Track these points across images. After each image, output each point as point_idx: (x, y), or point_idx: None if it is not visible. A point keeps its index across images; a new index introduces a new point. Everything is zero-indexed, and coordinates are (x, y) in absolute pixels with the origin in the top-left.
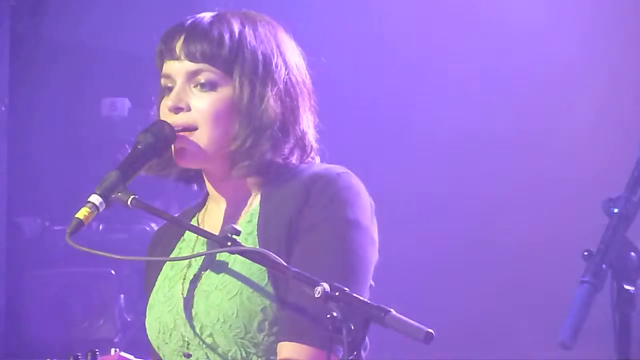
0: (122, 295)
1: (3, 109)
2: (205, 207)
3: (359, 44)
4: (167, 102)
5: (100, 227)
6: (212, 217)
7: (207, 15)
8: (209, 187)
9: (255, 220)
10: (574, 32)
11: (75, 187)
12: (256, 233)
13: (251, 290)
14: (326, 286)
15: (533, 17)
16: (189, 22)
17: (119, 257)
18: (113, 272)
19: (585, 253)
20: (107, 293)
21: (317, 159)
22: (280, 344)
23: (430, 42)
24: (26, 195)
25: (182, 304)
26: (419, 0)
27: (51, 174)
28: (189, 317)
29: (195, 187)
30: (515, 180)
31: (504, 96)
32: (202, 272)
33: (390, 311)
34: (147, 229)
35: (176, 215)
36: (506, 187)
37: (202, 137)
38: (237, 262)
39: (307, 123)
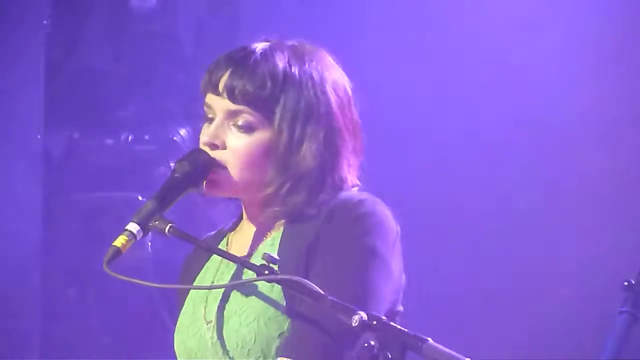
0: None
1: (39, 137)
2: (239, 227)
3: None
4: (204, 137)
5: (130, 138)
6: (242, 238)
7: (258, 47)
8: (243, 209)
9: (277, 244)
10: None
11: None
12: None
13: (269, 316)
14: (363, 315)
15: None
16: (237, 56)
17: (156, 285)
18: (140, 197)
19: (626, 283)
20: None
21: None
22: (278, 359)
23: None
24: None
25: (205, 328)
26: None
27: None
28: (212, 341)
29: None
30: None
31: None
32: (226, 295)
33: (427, 340)
34: (176, 139)
35: (211, 233)
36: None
37: (232, 176)
38: (258, 287)
39: (348, 169)
